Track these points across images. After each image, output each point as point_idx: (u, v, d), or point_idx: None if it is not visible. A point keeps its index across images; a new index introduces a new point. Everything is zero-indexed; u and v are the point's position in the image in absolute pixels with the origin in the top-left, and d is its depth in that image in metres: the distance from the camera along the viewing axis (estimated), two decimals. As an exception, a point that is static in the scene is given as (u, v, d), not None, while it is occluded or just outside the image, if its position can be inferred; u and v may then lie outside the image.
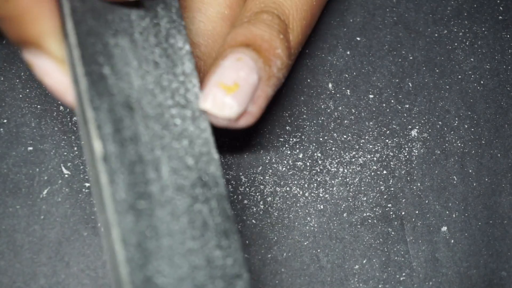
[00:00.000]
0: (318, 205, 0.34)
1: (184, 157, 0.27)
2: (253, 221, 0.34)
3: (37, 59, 0.26)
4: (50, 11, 0.26)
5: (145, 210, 0.25)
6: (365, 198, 0.34)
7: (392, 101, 0.36)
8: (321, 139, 0.35)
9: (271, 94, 0.29)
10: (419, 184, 0.35)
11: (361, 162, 0.35)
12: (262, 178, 0.34)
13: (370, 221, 0.34)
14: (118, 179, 0.25)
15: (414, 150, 0.35)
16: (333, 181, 0.34)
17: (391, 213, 0.34)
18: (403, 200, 0.34)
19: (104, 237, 0.26)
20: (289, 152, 0.35)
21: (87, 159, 0.26)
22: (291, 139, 0.35)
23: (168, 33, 0.28)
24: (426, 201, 0.34)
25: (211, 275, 0.26)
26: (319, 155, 0.35)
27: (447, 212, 0.34)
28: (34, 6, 0.25)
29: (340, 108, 0.35)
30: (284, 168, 0.34)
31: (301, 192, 0.34)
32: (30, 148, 0.34)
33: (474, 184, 0.35)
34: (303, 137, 0.35)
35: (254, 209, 0.34)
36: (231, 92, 0.28)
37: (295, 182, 0.34)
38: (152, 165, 0.26)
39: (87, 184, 0.33)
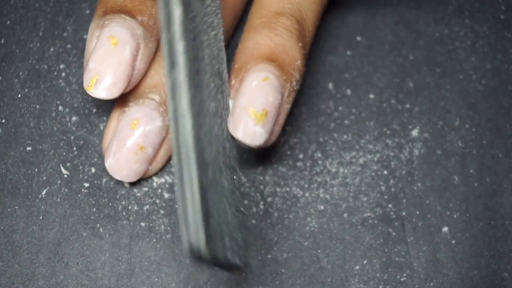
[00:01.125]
0: (318, 206, 0.34)
1: (212, 47, 0.28)
2: (253, 221, 0.34)
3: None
4: None
5: (198, 86, 0.26)
6: (365, 199, 0.34)
7: (393, 101, 0.36)
8: (321, 139, 0.35)
9: (290, 108, 0.30)
10: (420, 185, 0.35)
11: (362, 162, 0.35)
12: (262, 178, 0.34)
13: (370, 221, 0.34)
14: (189, 47, 0.26)
15: (415, 150, 0.35)
16: (333, 182, 0.34)
17: (392, 213, 0.34)
18: (404, 201, 0.34)
19: (169, 105, 0.26)
20: (289, 152, 0.35)
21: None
22: (291, 140, 0.35)
23: (218, 30, 0.29)
24: (427, 202, 0.34)
25: (225, 162, 0.27)
26: (319, 155, 0.35)
27: (448, 213, 0.34)
28: None
29: (340, 108, 0.35)
30: (284, 169, 0.34)
31: (301, 193, 0.34)
32: (29, 148, 0.34)
33: (476, 185, 0.35)
34: (303, 137, 0.35)
35: (254, 210, 0.34)
36: (261, 121, 0.28)
37: (295, 182, 0.34)
38: (201, 47, 0.27)
39: (86, 184, 0.33)
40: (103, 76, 0.29)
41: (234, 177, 0.29)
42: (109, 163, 0.31)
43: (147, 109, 0.31)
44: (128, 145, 0.31)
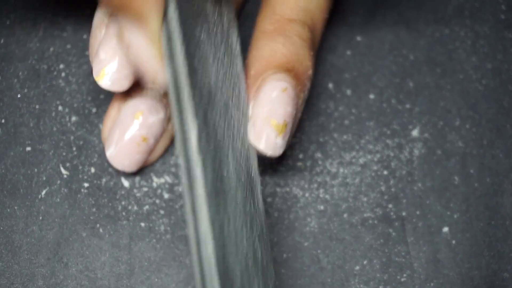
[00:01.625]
0: (318, 206, 0.34)
1: (239, 157, 0.27)
2: (253, 222, 0.34)
3: (133, 34, 0.26)
4: None
5: (221, 205, 0.25)
6: (365, 199, 0.34)
7: (393, 101, 0.36)
8: (321, 139, 0.35)
9: (300, 117, 0.30)
10: (420, 185, 0.34)
11: (362, 162, 0.35)
12: (262, 178, 0.34)
13: (370, 221, 0.34)
14: (207, 170, 0.25)
15: (415, 150, 0.35)
16: (333, 182, 0.34)
17: (392, 213, 0.34)
18: (404, 201, 0.34)
19: (189, 228, 0.26)
20: (289, 152, 0.35)
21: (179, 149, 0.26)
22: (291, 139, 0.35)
23: (228, 32, 0.29)
24: (427, 202, 0.34)
25: (255, 271, 0.27)
26: (319, 155, 0.35)
27: (449, 213, 0.34)
28: None
29: (340, 108, 0.35)
30: (284, 169, 0.34)
31: (301, 193, 0.34)
32: (29, 149, 0.34)
33: (476, 185, 0.35)
34: (303, 137, 0.35)
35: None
36: (282, 133, 0.29)
37: (295, 182, 0.34)
38: (224, 161, 0.26)
39: (86, 185, 0.33)
40: (116, 69, 0.29)
41: (268, 276, 0.29)
42: (111, 153, 0.31)
43: (152, 101, 0.31)
44: (131, 136, 0.31)
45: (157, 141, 0.32)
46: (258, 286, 0.27)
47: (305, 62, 0.30)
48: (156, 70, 0.27)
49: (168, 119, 0.32)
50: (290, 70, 0.30)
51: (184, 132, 0.25)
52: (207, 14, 0.27)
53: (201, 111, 0.25)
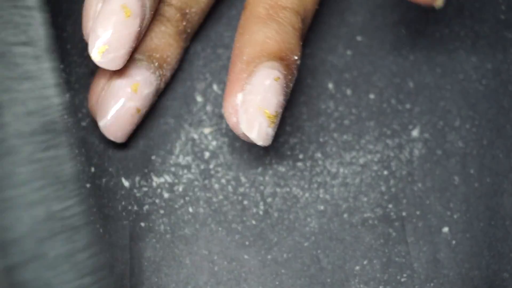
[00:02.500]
0: (319, 206, 0.34)
1: (26, 102, 0.25)
2: (253, 222, 0.34)
3: None
4: None
5: None
6: (365, 199, 0.34)
7: (393, 101, 0.36)
8: (321, 139, 0.35)
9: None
10: (420, 185, 0.34)
11: (362, 162, 0.35)
12: (262, 178, 0.34)
13: (370, 222, 0.34)
14: None
15: (415, 151, 0.35)
16: (333, 182, 0.34)
17: (392, 213, 0.34)
18: (404, 201, 0.34)
19: None
20: (289, 152, 0.35)
21: None
22: (291, 140, 0.35)
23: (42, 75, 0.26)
24: (427, 202, 0.34)
25: (51, 229, 0.24)
26: (319, 155, 0.35)
27: (449, 213, 0.34)
28: None
29: (340, 108, 0.35)
30: (284, 169, 0.34)
31: (301, 193, 0.34)
32: (28, 149, 0.34)
33: (476, 185, 0.35)
34: (303, 137, 0.35)
35: (254, 210, 0.34)
36: (273, 124, 0.29)
37: (295, 182, 0.34)
38: None
39: (87, 185, 0.33)
40: (113, 48, 0.29)
41: (78, 237, 0.25)
42: (105, 123, 0.31)
43: (147, 72, 0.31)
44: (127, 107, 0.31)
45: (147, 112, 0.32)
46: (54, 248, 0.24)
47: (296, 52, 0.30)
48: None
49: (159, 91, 0.33)
50: (282, 59, 0.30)
51: None
52: None
53: None
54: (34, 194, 0.24)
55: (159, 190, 0.34)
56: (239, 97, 0.29)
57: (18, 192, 0.24)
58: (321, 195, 0.34)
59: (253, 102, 0.29)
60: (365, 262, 0.33)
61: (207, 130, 0.35)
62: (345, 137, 0.35)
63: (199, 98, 0.35)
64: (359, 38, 0.36)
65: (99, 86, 0.32)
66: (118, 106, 0.31)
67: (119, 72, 0.31)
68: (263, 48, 0.30)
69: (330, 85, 0.36)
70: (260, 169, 0.34)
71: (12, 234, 0.23)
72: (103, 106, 0.31)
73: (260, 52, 0.30)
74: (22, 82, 0.25)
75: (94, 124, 0.34)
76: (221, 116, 0.35)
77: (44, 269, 0.24)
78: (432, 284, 0.33)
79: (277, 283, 0.33)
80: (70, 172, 0.25)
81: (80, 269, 0.25)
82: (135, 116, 0.32)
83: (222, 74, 0.36)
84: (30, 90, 0.25)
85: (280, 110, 0.29)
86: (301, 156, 0.35)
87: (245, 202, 0.34)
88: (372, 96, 0.36)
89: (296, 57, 0.30)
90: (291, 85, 0.30)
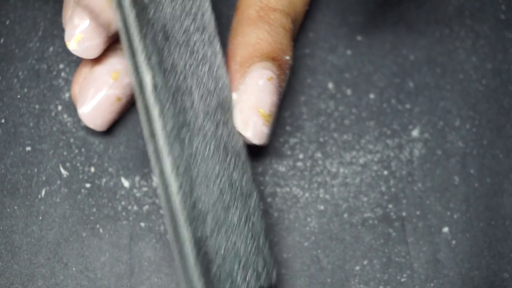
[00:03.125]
0: (319, 206, 0.34)
1: (207, 83, 0.28)
2: (253, 222, 0.34)
3: None
4: None
5: (187, 138, 0.27)
6: (365, 199, 0.34)
7: (393, 101, 0.36)
8: (321, 139, 0.35)
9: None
10: (420, 185, 0.34)
11: (362, 162, 0.35)
12: (262, 178, 0.34)
13: (370, 222, 0.34)
14: (166, 110, 0.26)
15: (415, 151, 0.35)
16: (333, 182, 0.34)
17: (392, 214, 0.34)
18: (404, 201, 0.34)
19: (154, 169, 0.27)
20: (289, 152, 0.35)
21: (135, 94, 0.27)
22: (291, 140, 0.35)
23: (214, 60, 0.30)
24: (427, 202, 0.34)
25: (233, 196, 0.28)
26: (320, 155, 0.35)
27: (449, 213, 0.34)
28: None
29: (340, 108, 0.35)
30: (284, 169, 0.34)
31: (301, 193, 0.34)
32: (28, 148, 0.34)
33: (476, 185, 0.35)
34: (303, 137, 0.35)
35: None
36: (268, 122, 0.29)
37: (295, 182, 0.34)
38: (187, 93, 0.27)
39: (86, 185, 0.33)
40: (89, 37, 0.29)
41: (251, 203, 0.29)
42: (83, 111, 0.31)
43: None
44: (106, 95, 0.31)
45: (128, 101, 0.32)
46: (236, 214, 0.28)
47: (287, 52, 0.31)
48: (110, 15, 0.28)
49: None
50: (274, 59, 0.30)
51: (138, 73, 0.26)
52: None
53: (155, 50, 0.26)
54: (218, 166, 0.28)
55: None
56: (234, 97, 0.30)
57: (207, 167, 0.27)
58: (321, 195, 0.34)
59: (247, 102, 0.29)
60: (365, 262, 0.33)
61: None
62: (345, 137, 0.35)
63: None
64: (359, 38, 0.36)
65: (81, 75, 0.32)
66: (98, 93, 0.31)
67: (100, 61, 0.31)
68: (255, 49, 0.30)
69: (330, 85, 0.36)
70: (260, 169, 0.34)
71: (202, 205, 0.27)
72: (83, 94, 0.31)
73: (252, 53, 0.30)
74: (202, 66, 0.28)
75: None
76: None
77: (230, 235, 0.28)
78: (432, 284, 0.33)
79: (277, 283, 0.33)
80: (240, 144, 0.29)
81: (255, 231, 0.29)
82: (116, 105, 0.32)
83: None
84: (208, 72, 0.28)
85: (275, 109, 0.30)
86: (301, 156, 0.35)
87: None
88: (372, 96, 0.36)
89: (288, 57, 0.31)
90: (284, 85, 0.31)
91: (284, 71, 0.30)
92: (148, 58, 0.26)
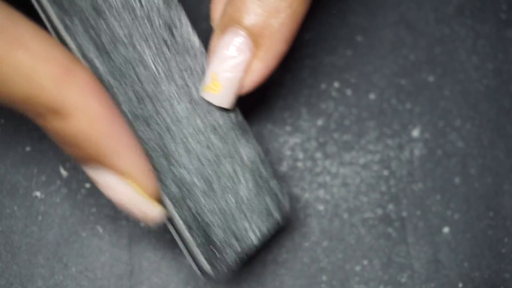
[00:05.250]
0: (318, 206, 0.34)
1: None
2: (253, 222, 0.34)
3: (100, 175, 0.25)
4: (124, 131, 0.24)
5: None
6: (366, 199, 0.34)
7: (393, 101, 0.36)
8: (321, 139, 0.35)
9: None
10: (420, 185, 0.34)
11: (362, 162, 0.35)
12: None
13: (371, 222, 0.34)
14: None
15: (416, 151, 0.35)
16: (333, 182, 0.34)
17: (392, 214, 0.34)
18: (404, 201, 0.34)
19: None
20: (289, 152, 0.35)
21: None
22: (291, 140, 0.35)
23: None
24: (428, 202, 0.34)
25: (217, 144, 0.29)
26: (319, 155, 0.35)
27: (449, 213, 0.34)
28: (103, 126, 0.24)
29: (340, 108, 0.35)
30: (284, 169, 0.34)
31: (301, 193, 0.34)
32: (28, 149, 0.34)
33: (476, 185, 0.35)
34: (303, 137, 0.35)
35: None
36: (220, 88, 0.29)
37: (295, 183, 0.34)
38: (140, 62, 0.27)
39: (87, 185, 0.33)
40: None
41: (247, 147, 0.30)
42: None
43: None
44: None
45: None
46: (226, 167, 0.29)
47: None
48: (132, 203, 0.26)
49: None
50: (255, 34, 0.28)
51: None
52: None
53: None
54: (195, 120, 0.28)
55: (159, 190, 0.34)
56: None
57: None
58: (321, 195, 0.34)
59: (210, 66, 0.28)
60: (365, 262, 0.33)
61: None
62: (345, 137, 0.35)
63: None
64: (359, 38, 0.36)
65: None
66: None
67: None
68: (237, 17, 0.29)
69: (331, 85, 0.36)
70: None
71: (185, 170, 0.28)
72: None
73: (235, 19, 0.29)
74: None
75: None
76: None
77: (222, 189, 0.29)
78: (432, 285, 0.33)
79: (277, 283, 0.33)
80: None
81: (254, 172, 0.30)
82: None
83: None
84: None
85: (230, 76, 0.28)
86: (301, 157, 0.35)
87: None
88: (372, 96, 0.36)
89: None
90: (266, 57, 0.29)
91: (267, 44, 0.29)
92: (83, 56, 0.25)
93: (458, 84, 0.36)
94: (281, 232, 0.34)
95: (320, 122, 0.35)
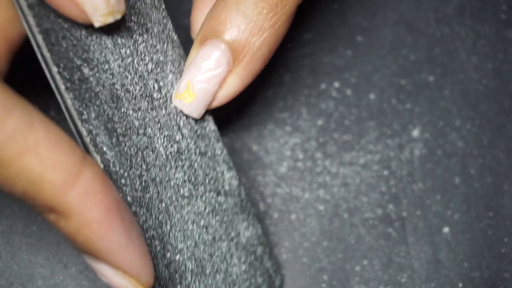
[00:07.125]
0: (319, 206, 0.34)
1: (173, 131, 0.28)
2: (253, 222, 0.34)
3: (96, 264, 0.25)
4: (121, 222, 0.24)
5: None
6: (366, 199, 0.34)
7: (393, 101, 0.36)
8: (321, 139, 0.35)
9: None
10: (420, 185, 0.34)
11: (362, 162, 0.35)
12: (262, 179, 0.34)
13: (371, 222, 0.34)
14: (125, 183, 0.26)
15: (416, 151, 0.35)
16: (333, 182, 0.34)
17: (392, 214, 0.34)
18: (404, 201, 0.34)
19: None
20: (289, 153, 0.35)
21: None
22: (291, 140, 0.35)
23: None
24: (428, 202, 0.34)
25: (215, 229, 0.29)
26: (319, 155, 0.35)
27: (449, 213, 0.34)
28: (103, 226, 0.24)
29: (340, 108, 0.35)
30: (284, 169, 0.34)
31: (301, 193, 0.34)
32: (28, 149, 0.34)
33: (476, 185, 0.35)
34: (303, 137, 0.35)
35: (254, 211, 0.34)
36: (192, 98, 0.29)
37: (295, 183, 0.34)
38: (150, 148, 0.27)
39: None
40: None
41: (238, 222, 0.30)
42: None
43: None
44: None
45: None
46: (221, 248, 0.29)
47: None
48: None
49: None
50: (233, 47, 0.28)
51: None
52: None
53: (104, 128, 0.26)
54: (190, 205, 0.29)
55: (159, 190, 0.34)
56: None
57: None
58: (321, 195, 0.34)
59: (186, 75, 0.28)
60: (365, 262, 0.33)
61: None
62: (345, 137, 0.35)
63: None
64: (359, 38, 0.36)
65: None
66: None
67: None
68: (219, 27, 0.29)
69: (331, 85, 0.36)
70: (260, 170, 0.34)
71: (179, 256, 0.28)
72: None
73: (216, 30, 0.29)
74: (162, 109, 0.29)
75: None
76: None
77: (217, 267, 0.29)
78: (432, 284, 0.33)
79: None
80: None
81: (248, 248, 0.30)
82: None
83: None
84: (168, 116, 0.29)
85: (205, 87, 0.28)
86: (301, 157, 0.35)
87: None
88: (372, 96, 0.36)
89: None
90: (242, 71, 0.29)
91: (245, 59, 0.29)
92: (95, 145, 0.25)
93: (458, 84, 0.36)
94: (281, 233, 0.34)
95: (320, 122, 0.35)
